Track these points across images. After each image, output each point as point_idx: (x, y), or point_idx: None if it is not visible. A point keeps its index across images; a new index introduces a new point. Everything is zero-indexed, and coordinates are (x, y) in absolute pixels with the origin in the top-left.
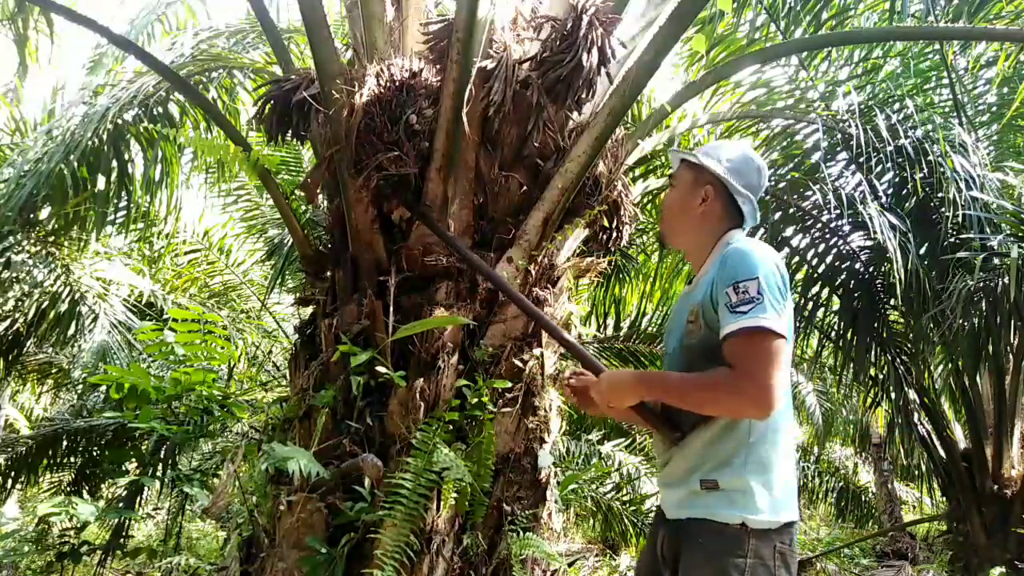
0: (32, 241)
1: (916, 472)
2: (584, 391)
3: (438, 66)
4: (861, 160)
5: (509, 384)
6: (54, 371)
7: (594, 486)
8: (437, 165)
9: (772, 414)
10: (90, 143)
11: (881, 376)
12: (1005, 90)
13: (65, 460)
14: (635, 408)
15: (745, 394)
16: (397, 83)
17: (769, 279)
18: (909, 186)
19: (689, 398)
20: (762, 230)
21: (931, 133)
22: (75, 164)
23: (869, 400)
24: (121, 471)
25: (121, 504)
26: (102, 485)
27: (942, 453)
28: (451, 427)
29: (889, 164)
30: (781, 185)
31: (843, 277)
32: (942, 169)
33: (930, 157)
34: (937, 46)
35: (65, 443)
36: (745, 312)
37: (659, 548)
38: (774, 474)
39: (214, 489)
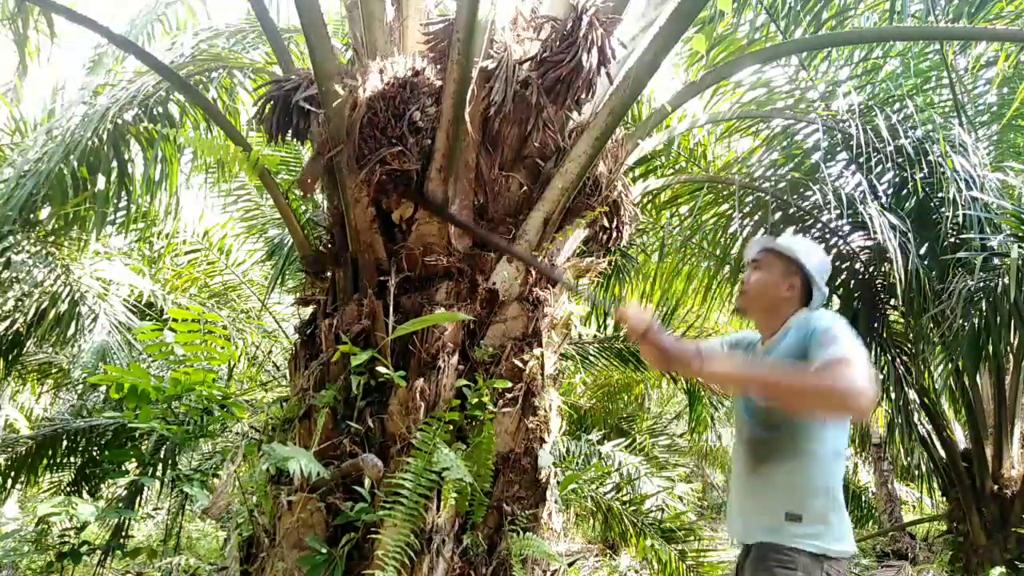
0: (32, 241)
1: (916, 472)
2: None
3: (439, 65)
4: (861, 160)
5: (509, 384)
6: (54, 371)
7: (594, 486)
8: (438, 165)
9: (865, 408)
10: (90, 143)
11: (881, 376)
12: (1005, 90)
13: (65, 460)
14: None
15: (844, 380)
16: (401, 80)
17: (846, 330)
18: (909, 186)
19: (782, 386)
20: (762, 230)
21: (931, 133)
22: (75, 164)
23: None
24: (121, 471)
25: (121, 504)
26: (102, 485)
27: (942, 453)
28: (451, 427)
29: (889, 164)
30: (781, 185)
31: (843, 277)
32: (942, 169)
33: (930, 157)
34: (937, 46)
35: (65, 443)
36: (830, 347)
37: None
38: (842, 508)
39: (214, 489)
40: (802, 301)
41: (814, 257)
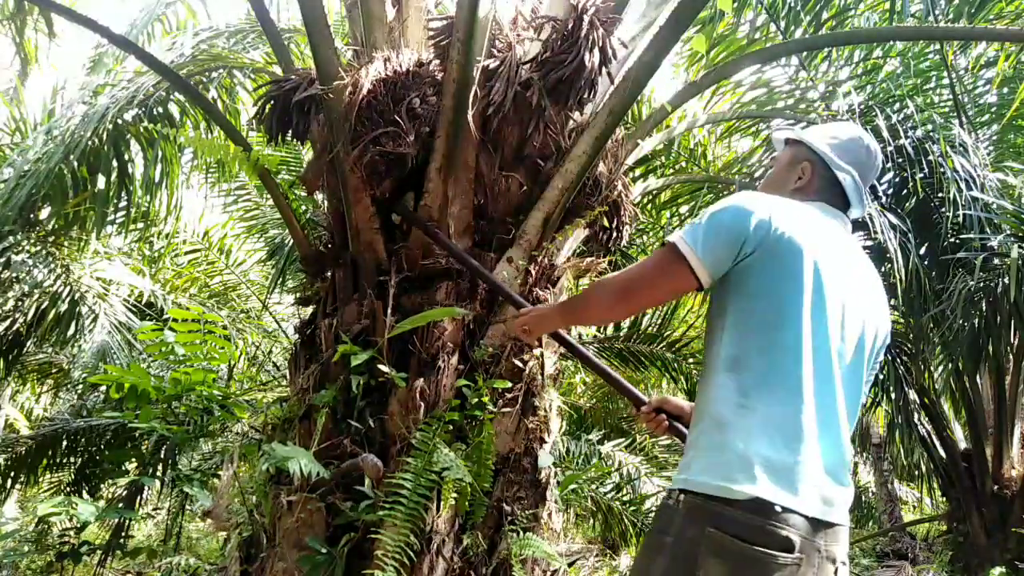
0: (32, 241)
1: (916, 472)
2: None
3: (442, 62)
4: None
5: (509, 384)
6: (54, 371)
7: (594, 486)
8: (437, 165)
9: (616, 312)
10: (90, 143)
11: (881, 376)
12: (1005, 90)
13: (65, 460)
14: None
15: (602, 292)
16: (404, 69)
17: (719, 216)
18: (909, 186)
19: (570, 314)
20: None
21: (931, 133)
22: (75, 164)
23: (869, 400)
24: (121, 471)
25: (121, 504)
26: (102, 485)
27: (942, 453)
28: (451, 427)
29: (889, 164)
30: None
31: None
32: (942, 169)
33: (930, 157)
34: (937, 46)
35: (65, 443)
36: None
37: None
38: (730, 434)
39: (214, 489)
40: (828, 194)
41: (831, 131)
